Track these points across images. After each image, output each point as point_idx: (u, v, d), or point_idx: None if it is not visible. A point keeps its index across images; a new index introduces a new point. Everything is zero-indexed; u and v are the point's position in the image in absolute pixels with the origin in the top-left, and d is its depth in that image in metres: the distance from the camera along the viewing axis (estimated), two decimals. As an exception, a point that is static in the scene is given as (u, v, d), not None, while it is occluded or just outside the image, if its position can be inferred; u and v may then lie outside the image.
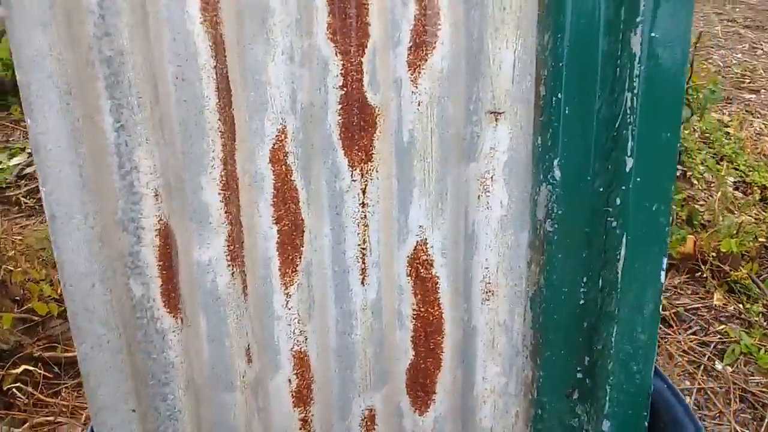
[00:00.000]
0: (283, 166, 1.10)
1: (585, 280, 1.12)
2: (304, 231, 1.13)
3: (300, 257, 1.16)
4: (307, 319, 1.24)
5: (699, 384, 2.18)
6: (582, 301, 1.14)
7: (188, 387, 1.12)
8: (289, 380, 1.30)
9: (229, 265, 1.13)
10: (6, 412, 2.02)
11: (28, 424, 1.95)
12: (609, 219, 1.08)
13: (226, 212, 1.11)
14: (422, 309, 1.26)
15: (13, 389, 2.05)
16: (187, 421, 1.12)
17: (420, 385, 1.33)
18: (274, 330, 1.24)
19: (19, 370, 2.08)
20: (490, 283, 1.21)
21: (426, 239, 1.20)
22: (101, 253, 0.98)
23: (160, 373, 1.09)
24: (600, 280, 1.10)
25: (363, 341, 1.27)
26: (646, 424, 1.12)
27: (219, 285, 1.13)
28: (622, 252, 1.06)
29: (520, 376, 1.27)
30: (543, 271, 1.16)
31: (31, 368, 2.13)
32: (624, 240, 1.05)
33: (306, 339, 1.26)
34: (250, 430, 1.24)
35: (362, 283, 1.22)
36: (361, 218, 1.16)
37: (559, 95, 1.05)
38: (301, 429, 1.34)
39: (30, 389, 2.05)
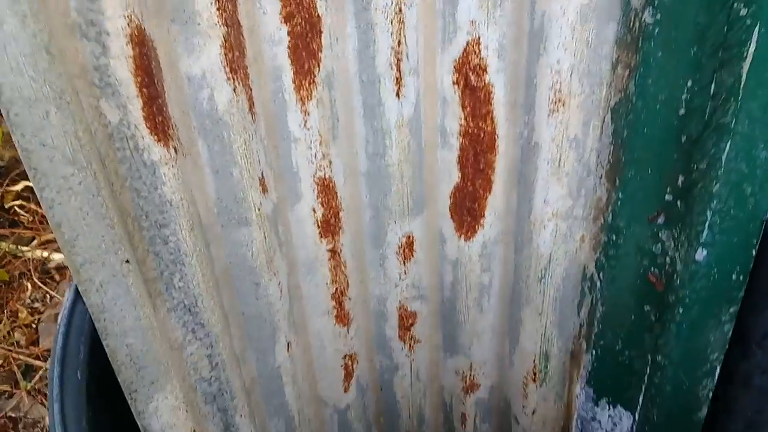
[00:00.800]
0: (288, -61, 0.80)
1: (690, 84, 0.86)
2: (321, 31, 0.86)
3: (318, 65, 0.90)
4: (330, 141, 1.01)
5: None
6: (682, 111, 0.88)
7: (193, 227, 0.93)
8: (314, 210, 1.10)
9: (228, 79, 0.87)
10: (11, 230, 1.90)
11: (36, 241, 1.86)
12: (735, 4, 0.79)
13: (218, 9, 0.83)
14: (471, 124, 1.02)
15: (15, 207, 1.91)
16: (196, 264, 0.94)
17: (467, 209, 1.14)
18: (292, 154, 1.02)
19: (19, 187, 1.93)
20: (560, 91, 0.95)
21: (479, 38, 0.92)
22: (52, 69, 0.73)
23: (155, 213, 0.89)
24: (713, 85, 0.84)
25: (398, 164, 1.06)
26: (754, 252, 0.93)
27: (218, 104, 0.89)
28: (751, 48, 0.78)
29: (590, 198, 1.07)
30: (634, 75, 0.89)
31: (31, 184, 1.96)
32: (755, 33, 0.77)
33: (330, 163, 1.04)
34: (273, 267, 1.07)
35: (397, 95, 0.97)
36: (395, 12, 0.88)
37: None
38: (330, 260, 1.18)
39: (33, 206, 1.91)
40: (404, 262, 1.23)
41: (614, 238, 1.06)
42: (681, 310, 1.02)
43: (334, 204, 1.11)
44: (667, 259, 1.02)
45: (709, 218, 0.92)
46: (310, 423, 1.34)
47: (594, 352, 1.19)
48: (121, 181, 0.86)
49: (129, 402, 0.91)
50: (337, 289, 1.22)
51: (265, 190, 1.02)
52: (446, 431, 1.52)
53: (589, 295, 1.16)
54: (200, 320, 0.99)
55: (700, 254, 0.95)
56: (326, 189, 1.08)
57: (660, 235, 1.02)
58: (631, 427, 1.21)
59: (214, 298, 1.01)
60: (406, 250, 1.21)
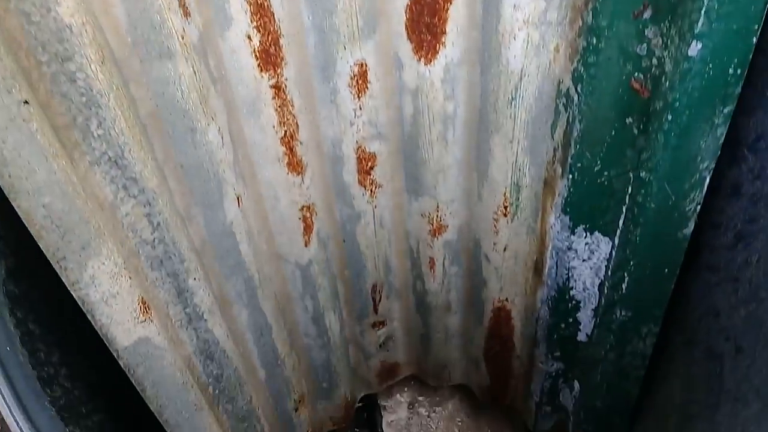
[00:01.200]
0: None
1: None
2: None
3: None
4: (260, -57, 0.83)
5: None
6: None
7: (104, 60, 0.77)
8: (249, 37, 0.94)
9: None
10: None
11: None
12: None
13: None
14: None
15: None
16: (115, 106, 0.79)
17: (425, 26, 0.99)
18: (214, -36, 0.84)
19: None
20: None
21: None
22: None
23: (53, 43, 0.72)
24: None
25: (345, -30, 0.89)
26: (755, 40, 0.83)
27: None
28: None
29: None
30: None
31: None
32: None
33: (263, -26, 0.87)
34: (208, 109, 0.92)
35: None
36: None
37: None
38: (274, 98, 1.03)
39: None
40: (358, 96, 1.09)
41: (594, 42, 0.93)
42: (669, 117, 0.92)
43: (272, 29, 0.94)
44: (654, 60, 0.91)
45: (705, 3, 0.80)
46: (272, 281, 1.25)
47: (570, 176, 1.11)
48: (3, 4, 0.68)
49: (59, 273, 0.78)
50: (285, 132, 1.08)
51: (186, 12, 0.85)
52: (414, 278, 1.45)
53: (565, 114, 1.05)
54: (131, 174, 0.85)
55: (694, 48, 0.84)
56: (261, 10, 0.91)
57: (646, 32, 0.90)
58: (610, 253, 1.16)
59: (144, 148, 0.86)
60: (360, 82, 1.07)
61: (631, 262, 1.10)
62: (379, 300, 1.49)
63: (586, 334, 1.30)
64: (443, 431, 1.76)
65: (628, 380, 1.27)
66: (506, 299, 1.40)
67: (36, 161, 0.71)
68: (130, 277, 0.85)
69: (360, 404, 1.75)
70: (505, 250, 1.30)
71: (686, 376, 1.12)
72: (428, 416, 1.78)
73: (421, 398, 1.81)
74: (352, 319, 1.50)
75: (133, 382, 0.89)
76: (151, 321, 0.89)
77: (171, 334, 0.98)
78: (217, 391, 1.13)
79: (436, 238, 1.35)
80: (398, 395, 1.80)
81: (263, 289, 1.21)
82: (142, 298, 0.88)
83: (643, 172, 1.01)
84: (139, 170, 0.85)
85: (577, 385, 1.40)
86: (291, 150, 1.11)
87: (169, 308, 0.96)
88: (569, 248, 1.19)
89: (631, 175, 1.04)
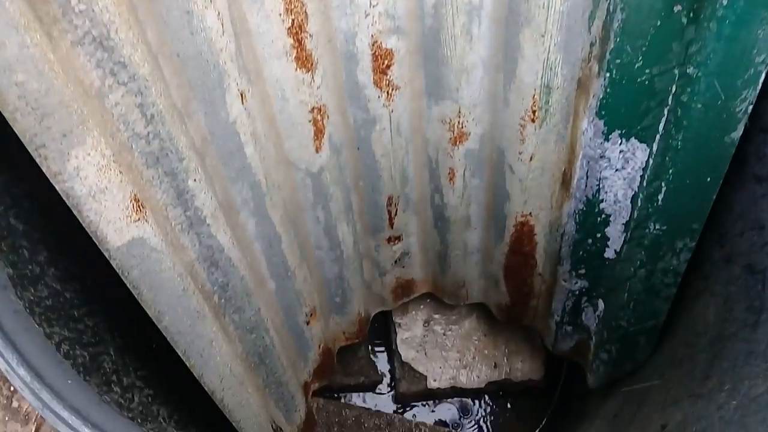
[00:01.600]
0: None
1: None
2: None
3: None
4: None
5: None
6: None
7: None
8: None
9: None
10: None
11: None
12: None
13: None
14: None
15: None
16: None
17: None
18: None
19: None
20: None
21: None
22: None
23: None
24: None
25: None
26: None
27: None
28: None
29: None
30: None
31: None
32: None
33: None
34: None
35: None
36: None
37: None
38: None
39: None
40: (374, -18, 0.99)
41: None
42: (724, 2, 0.81)
43: None
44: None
45: None
46: (281, 190, 1.18)
47: (607, 75, 1.00)
48: None
49: (40, 164, 0.71)
50: (293, 21, 0.98)
51: None
52: (432, 190, 1.38)
53: (604, 2, 0.94)
54: (119, 58, 0.76)
55: None
56: None
57: None
58: (646, 162, 1.07)
59: (133, 29, 0.77)
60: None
61: (670, 171, 1.01)
62: (395, 213, 1.42)
63: (615, 251, 1.22)
64: (459, 350, 1.72)
65: (658, 299, 1.20)
66: (530, 214, 1.32)
67: (4, 33, 0.62)
68: (121, 172, 0.78)
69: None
70: (531, 159, 1.21)
71: (723, 294, 1.05)
72: (444, 334, 1.74)
73: (437, 316, 1.76)
74: (367, 233, 1.44)
75: (127, 285, 0.84)
76: (146, 221, 0.83)
77: (171, 238, 0.91)
78: (222, 300, 1.08)
79: (456, 147, 1.26)
80: (414, 313, 1.76)
81: (271, 197, 1.14)
82: (135, 195, 0.81)
83: (691, 68, 0.90)
84: (128, 54, 0.77)
85: (601, 304, 1.33)
86: (300, 43, 1.01)
87: (167, 210, 0.90)
88: (601, 157, 1.10)
89: (677, 71, 0.93)
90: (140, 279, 0.85)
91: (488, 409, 1.77)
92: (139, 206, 0.81)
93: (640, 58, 0.95)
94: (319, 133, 1.16)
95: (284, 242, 1.22)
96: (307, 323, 1.41)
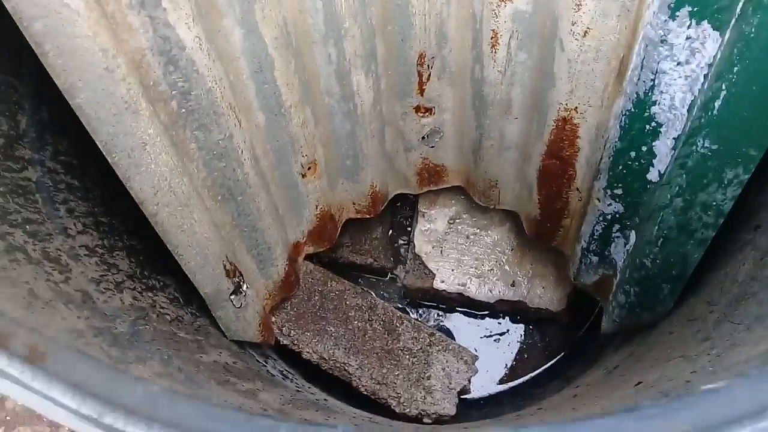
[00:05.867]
0: None
1: None
2: None
3: None
4: None
5: None
6: None
7: None
8: None
9: None
10: None
11: None
12: None
13: None
14: None
15: None
16: None
17: None
18: None
19: None
20: None
21: None
22: None
23: None
24: None
25: None
26: None
27: None
28: None
29: None
30: None
31: None
32: None
33: None
34: None
35: None
36: None
37: None
38: None
39: None
40: None
41: None
42: None
43: None
44: None
45: None
46: (280, 2, 1.01)
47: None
48: None
49: None
50: None
51: None
52: (473, 59, 1.16)
53: None
54: None
55: None
56: None
57: None
58: (714, 57, 0.81)
59: None
60: None
61: (736, 69, 0.76)
62: (428, 79, 1.23)
63: (659, 172, 0.98)
64: (478, 257, 1.54)
65: (691, 241, 0.96)
66: (575, 108, 1.09)
67: None
68: None
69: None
70: (585, 35, 0.97)
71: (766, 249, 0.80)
72: (467, 237, 1.56)
73: (465, 216, 1.58)
74: (391, 93, 1.26)
75: (27, 38, 0.72)
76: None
77: (111, 13, 0.78)
78: (183, 111, 0.96)
79: (504, 4, 1.03)
80: (442, 205, 1.59)
81: (263, 7, 0.98)
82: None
83: None
84: None
85: (633, 236, 1.10)
86: None
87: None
88: (662, 41, 0.85)
89: None
90: (44, 35, 0.73)
91: (496, 329, 1.60)
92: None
93: None
94: (337, -55, 0.97)
95: (278, 69, 1.07)
96: (303, 176, 1.28)
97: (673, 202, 0.93)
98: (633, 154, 1.00)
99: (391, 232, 1.68)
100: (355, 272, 1.66)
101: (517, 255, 1.54)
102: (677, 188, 0.92)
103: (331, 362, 1.37)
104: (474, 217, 1.57)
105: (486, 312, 1.60)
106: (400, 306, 1.62)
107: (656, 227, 0.99)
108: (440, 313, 1.64)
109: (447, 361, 1.36)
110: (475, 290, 1.53)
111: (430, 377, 1.33)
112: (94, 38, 0.77)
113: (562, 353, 1.57)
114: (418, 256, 1.56)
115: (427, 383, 1.32)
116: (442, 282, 1.54)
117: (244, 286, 1.22)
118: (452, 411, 1.31)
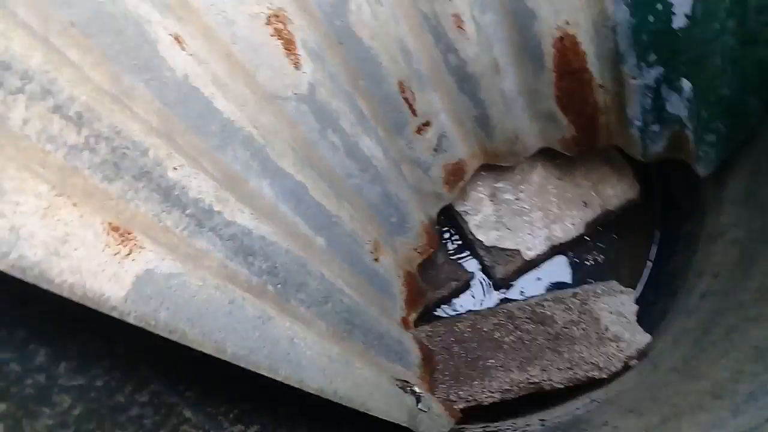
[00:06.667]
0: None
1: None
2: None
3: None
4: None
5: None
6: None
7: None
8: None
9: None
10: None
11: None
12: None
13: None
14: None
15: None
16: None
17: None
18: None
19: None
20: None
21: None
22: None
23: None
24: None
25: None
26: None
27: None
28: None
29: None
30: None
31: None
32: None
33: None
34: None
35: None
36: None
37: None
38: None
39: None
40: None
41: None
42: None
43: None
44: None
45: None
46: (279, 132, 0.95)
47: None
48: None
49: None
50: None
51: None
52: (443, 52, 1.13)
53: None
54: (-10, 59, 0.52)
55: None
56: None
57: None
58: None
59: (-12, 12, 0.53)
60: None
61: None
62: (413, 98, 1.18)
63: (685, 15, 0.97)
64: (540, 207, 1.51)
65: (759, 46, 0.96)
66: (566, 22, 1.07)
67: None
68: (75, 204, 0.56)
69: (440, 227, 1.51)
70: (543, -45, 0.95)
71: None
72: (516, 199, 1.53)
73: (500, 185, 1.55)
74: (392, 134, 1.21)
75: (160, 333, 0.63)
76: (142, 248, 0.61)
77: (183, 251, 0.70)
78: (279, 286, 0.88)
79: (450, -15, 1.00)
80: (474, 194, 1.55)
81: (272, 145, 0.91)
82: (111, 224, 0.59)
83: None
84: (4, 48, 0.53)
85: (686, 84, 1.10)
86: (212, -59, 0.75)
87: (162, 220, 0.68)
88: None
89: None
90: (173, 318, 0.64)
91: (596, 251, 1.58)
92: (122, 235, 0.59)
93: None
94: (289, 45, 0.91)
95: (310, 188, 1.00)
96: (376, 260, 1.21)
97: (725, 24, 0.93)
98: (651, 18, 0.99)
99: (447, 251, 1.63)
100: (445, 305, 1.60)
101: (568, 180, 1.52)
102: (723, 11, 0.91)
103: (515, 387, 1.31)
104: (507, 179, 1.54)
105: (577, 244, 1.57)
106: (503, 298, 1.58)
107: (719, 58, 0.98)
108: (539, 277, 1.60)
109: (608, 304, 1.32)
110: (561, 234, 1.50)
111: (606, 328, 1.29)
112: (205, 283, 0.69)
113: (659, 229, 1.57)
114: (492, 246, 1.52)
115: (608, 334, 1.28)
116: (530, 250, 1.50)
117: (416, 389, 1.14)
118: (647, 337, 1.28)
